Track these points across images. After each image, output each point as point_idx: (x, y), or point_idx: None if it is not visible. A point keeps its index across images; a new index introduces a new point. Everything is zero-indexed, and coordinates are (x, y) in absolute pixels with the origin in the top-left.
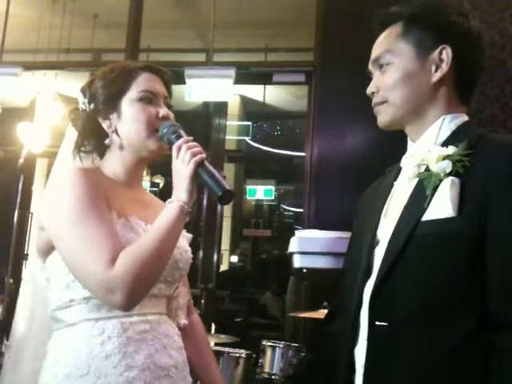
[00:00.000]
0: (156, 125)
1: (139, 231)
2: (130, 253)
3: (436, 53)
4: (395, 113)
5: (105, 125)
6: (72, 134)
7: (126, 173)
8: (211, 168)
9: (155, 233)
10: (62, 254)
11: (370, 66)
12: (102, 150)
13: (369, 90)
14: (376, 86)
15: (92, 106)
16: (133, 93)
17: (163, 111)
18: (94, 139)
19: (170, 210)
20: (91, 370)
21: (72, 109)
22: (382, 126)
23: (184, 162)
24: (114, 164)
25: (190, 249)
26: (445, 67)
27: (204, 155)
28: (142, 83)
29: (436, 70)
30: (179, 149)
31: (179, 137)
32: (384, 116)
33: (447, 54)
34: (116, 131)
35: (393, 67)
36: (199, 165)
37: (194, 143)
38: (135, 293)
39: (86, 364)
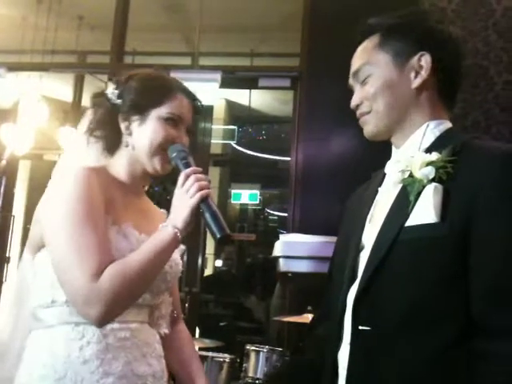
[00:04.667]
0: (167, 146)
1: (132, 240)
2: (116, 270)
3: (415, 60)
4: (381, 122)
5: (123, 125)
6: (88, 120)
7: (131, 179)
8: (214, 206)
9: (144, 255)
10: (51, 254)
11: (351, 80)
12: (112, 143)
13: (353, 103)
14: (359, 97)
15: (119, 101)
16: (163, 111)
17: (180, 139)
18: (106, 130)
19: (163, 235)
20: (68, 374)
21: (98, 93)
22: (369, 137)
23: (189, 192)
24: (120, 169)
25: (180, 262)
26: (424, 74)
27: (210, 191)
28: (174, 105)
29: (416, 77)
30: (187, 178)
31: (187, 164)
32: (370, 126)
33: (426, 60)
34: (131, 134)
35: (373, 78)
36: (203, 200)
37: (203, 176)
38: (111, 310)
39: (63, 367)
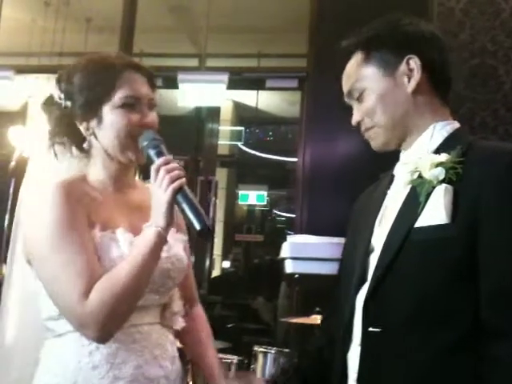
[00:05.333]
0: (137, 132)
1: (125, 245)
2: (104, 285)
3: (403, 65)
4: (386, 133)
5: (82, 127)
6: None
7: (111, 179)
8: (191, 195)
9: (131, 262)
10: (39, 278)
11: (346, 100)
12: (79, 147)
13: (354, 121)
14: (359, 115)
15: (69, 103)
16: (116, 99)
17: (145, 119)
18: (67, 137)
19: (147, 237)
20: (79, 381)
21: (47, 100)
22: (378, 149)
23: (161, 187)
24: (97, 170)
25: (184, 255)
26: (417, 75)
27: (183, 180)
28: (125, 87)
29: (409, 81)
30: (157, 171)
31: (159, 153)
32: (376, 139)
33: (415, 62)
34: (94, 135)
35: (367, 93)
36: (178, 190)
37: (174, 165)
38: (107, 328)
39: (73, 374)
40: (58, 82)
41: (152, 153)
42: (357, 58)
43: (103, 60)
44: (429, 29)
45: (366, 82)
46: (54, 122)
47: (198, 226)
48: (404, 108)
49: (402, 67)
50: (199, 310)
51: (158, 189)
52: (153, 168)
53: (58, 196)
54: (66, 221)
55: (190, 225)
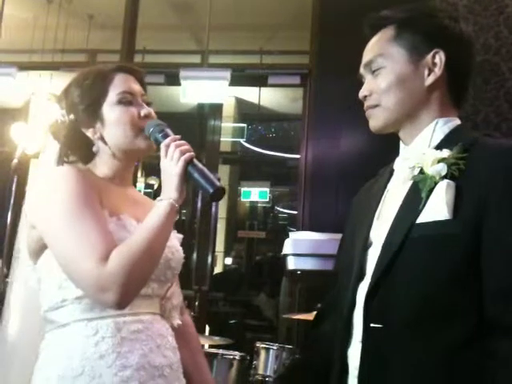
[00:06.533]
0: (140, 124)
1: (131, 230)
2: (122, 251)
3: (429, 57)
4: (388, 116)
5: (89, 133)
6: (53, 146)
7: (116, 175)
8: (201, 166)
9: (146, 231)
10: (54, 251)
11: (362, 70)
12: (87, 157)
13: (361, 94)
14: (369, 89)
15: (72, 116)
16: (112, 97)
17: (145, 110)
18: (78, 149)
19: (160, 207)
20: (85, 371)
21: (52, 123)
22: (375, 130)
23: (173, 160)
24: (102, 168)
25: (181, 248)
26: (438, 71)
27: (193, 153)
28: (118, 85)
29: (429, 74)
30: (168, 147)
31: (166, 135)
32: (376, 120)
33: (440, 58)
34: (102, 138)
35: (385, 71)
36: (189, 163)
37: (183, 141)
38: (127, 291)
39: (79, 364)
40: (58, 102)
41: (159, 136)
42: (387, 33)
43: (93, 69)
44: (465, 31)
45: (389, 61)
46: (64, 137)
47: (210, 190)
48: (416, 99)
49: (428, 58)
50: (188, 318)
51: (170, 162)
52: (163, 144)
53: (71, 174)
54: (80, 193)
55: (203, 191)
